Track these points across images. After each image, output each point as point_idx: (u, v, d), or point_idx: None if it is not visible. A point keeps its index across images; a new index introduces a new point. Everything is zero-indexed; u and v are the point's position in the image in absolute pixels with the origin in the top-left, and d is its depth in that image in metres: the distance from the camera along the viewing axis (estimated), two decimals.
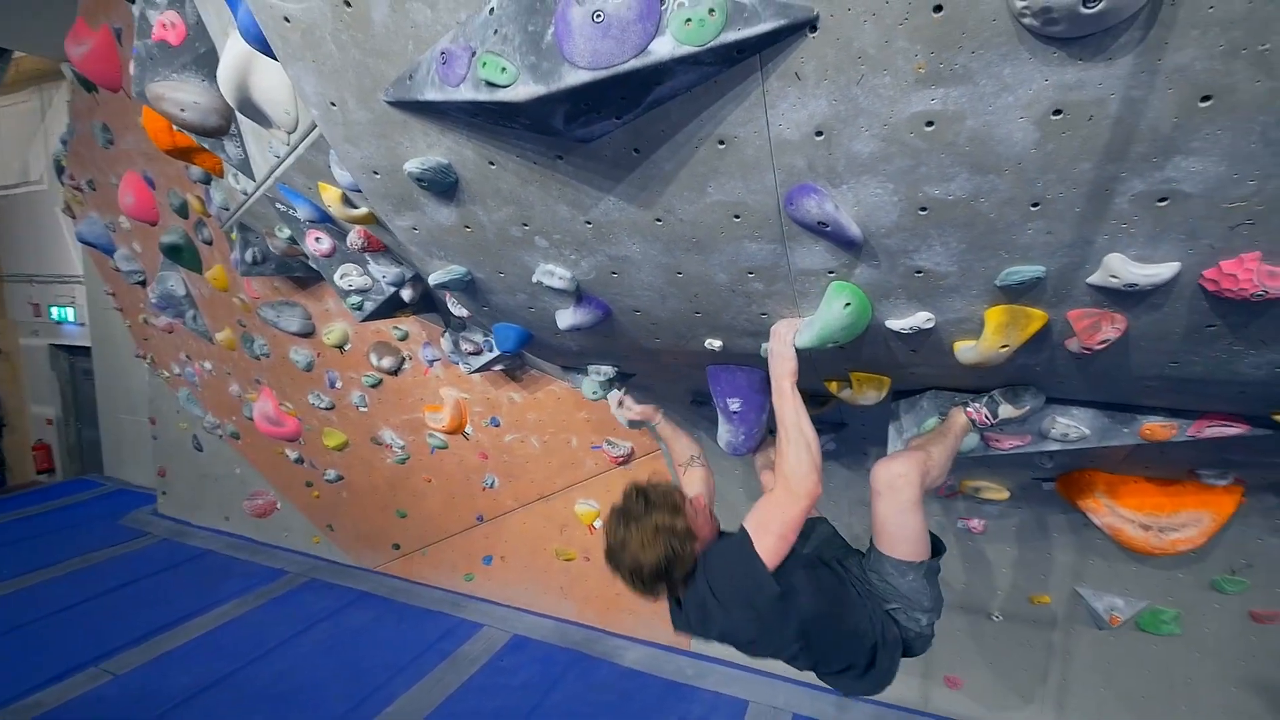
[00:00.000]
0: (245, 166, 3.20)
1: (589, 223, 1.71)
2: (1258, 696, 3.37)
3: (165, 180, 4.94)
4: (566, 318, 2.07)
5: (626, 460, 4.76)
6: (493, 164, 1.63)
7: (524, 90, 1.26)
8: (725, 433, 2.54)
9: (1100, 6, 0.94)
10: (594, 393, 2.95)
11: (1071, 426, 2.10)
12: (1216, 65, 1.00)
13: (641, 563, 1.66)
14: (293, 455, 6.18)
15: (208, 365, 6.34)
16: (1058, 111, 1.13)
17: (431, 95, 1.42)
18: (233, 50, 2.32)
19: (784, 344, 1.83)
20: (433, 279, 2.10)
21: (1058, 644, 3.76)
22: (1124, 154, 1.15)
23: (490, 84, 1.29)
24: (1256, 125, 1.05)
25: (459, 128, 1.56)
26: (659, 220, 1.63)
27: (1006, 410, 2.06)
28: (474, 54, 1.32)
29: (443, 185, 1.71)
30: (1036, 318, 1.55)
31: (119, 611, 5.53)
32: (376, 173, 1.78)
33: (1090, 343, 1.52)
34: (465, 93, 1.35)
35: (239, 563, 6.60)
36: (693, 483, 2.24)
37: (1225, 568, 3.16)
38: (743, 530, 1.72)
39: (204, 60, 2.88)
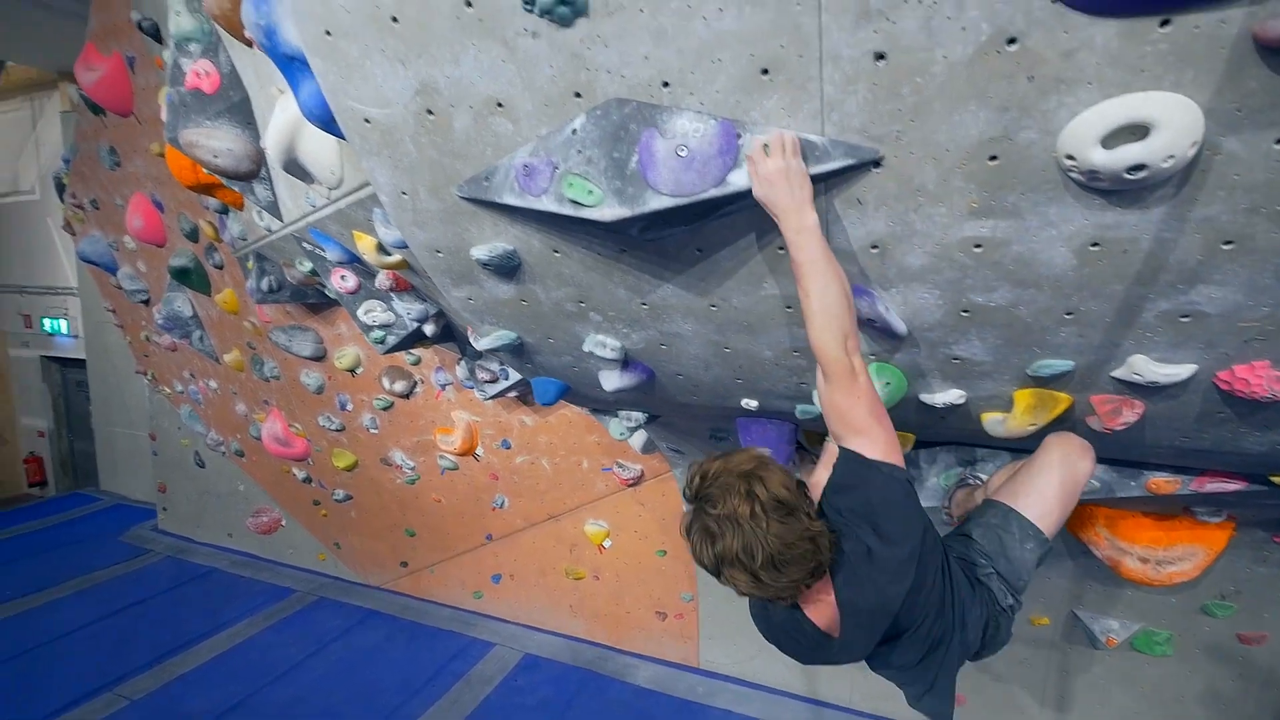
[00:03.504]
0: (273, 208, 3.27)
1: (645, 304, 1.82)
2: (1244, 713, 3.57)
3: (175, 205, 4.96)
4: (612, 381, 2.18)
5: (637, 482, 4.87)
6: (557, 252, 1.73)
7: (609, 211, 1.37)
8: None
9: (1142, 175, 1.07)
10: (621, 434, 3.06)
11: None
12: (1239, 219, 1.14)
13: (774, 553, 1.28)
14: (300, 474, 6.23)
15: (213, 384, 6.36)
16: (1095, 244, 1.26)
17: (510, 200, 1.52)
18: (282, 116, 2.39)
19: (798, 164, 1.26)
20: (482, 344, 2.20)
21: (1056, 664, 3.94)
22: (1153, 280, 1.29)
23: (575, 202, 1.40)
24: (1270, 265, 1.19)
25: (527, 221, 1.66)
26: (714, 306, 1.75)
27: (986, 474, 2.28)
28: (556, 168, 1.42)
29: (507, 268, 1.81)
30: (1063, 400, 1.69)
31: (129, 633, 5.53)
32: (440, 252, 1.88)
33: (1112, 425, 1.67)
34: (547, 204, 1.45)
35: (245, 581, 6.61)
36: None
37: (1215, 593, 3.34)
38: (844, 453, 1.43)
39: (238, 109, 2.94)
